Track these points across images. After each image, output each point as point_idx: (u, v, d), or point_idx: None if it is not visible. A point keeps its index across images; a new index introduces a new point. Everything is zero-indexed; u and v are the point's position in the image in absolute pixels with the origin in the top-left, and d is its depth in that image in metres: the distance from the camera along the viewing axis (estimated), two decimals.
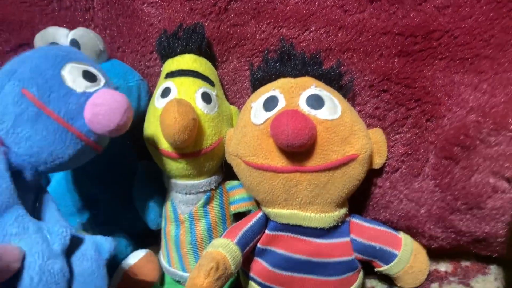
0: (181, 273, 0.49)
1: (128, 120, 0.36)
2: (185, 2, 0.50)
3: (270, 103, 0.40)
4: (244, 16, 0.48)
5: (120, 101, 0.35)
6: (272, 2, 0.47)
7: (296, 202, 0.40)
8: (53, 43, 0.49)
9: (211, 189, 0.47)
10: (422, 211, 0.43)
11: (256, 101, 0.41)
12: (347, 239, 0.42)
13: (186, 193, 0.47)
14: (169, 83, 0.45)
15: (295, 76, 0.42)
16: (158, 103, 0.45)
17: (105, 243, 0.35)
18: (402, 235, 0.43)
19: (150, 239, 0.54)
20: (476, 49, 0.40)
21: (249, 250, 0.43)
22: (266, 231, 0.44)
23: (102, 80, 0.38)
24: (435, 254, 0.45)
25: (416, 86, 0.41)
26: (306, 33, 0.46)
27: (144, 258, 0.51)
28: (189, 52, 0.47)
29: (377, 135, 0.42)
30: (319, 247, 0.42)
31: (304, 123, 0.35)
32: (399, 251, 0.42)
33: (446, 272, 0.46)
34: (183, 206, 0.47)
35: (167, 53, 0.48)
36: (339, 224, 0.42)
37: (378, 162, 0.42)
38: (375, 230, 0.43)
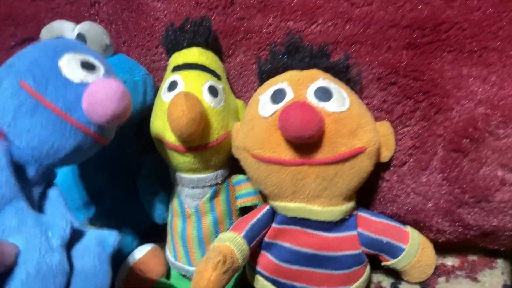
0: (187, 267, 0.49)
1: (126, 108, 0.36)
2: None
3: (278, 96, 0.40)
4: (250, 10, 0.48)
5: (116, 88, 0.34)
6: None
7: (303, 195, 0.40)
8: (59, 37, 0.49)
9: (217, 183, 0.47)
10: (430, 204, 0.42)
11: (264, 94, 0.41)
12: (354, 232, 0.42)
13: (192, 187, 0.46)
14: (176, 76, 0.45)
15: (302, 68, 0.42)
16: (165, 96, 0.45)
17: (109, 237, 0.34)
18: (409, 229, 0.43)
19: (156, 233, 0.54)
20: (485, 42, 0.39)
21: (256, 244, 0.43)
22: (273, 225, 0.44)
23: (101, 69, 0.38)
24: (442, 248, 0.45)
25: (424, 78, 0.41)
26: (313, 26, 0.46)
27: (150, 252, 0.51)
28: (196, 45, 0.47)
29: (385, 128, 0.42)
30: (326, 241, 0.42)
31: (313, 115, 0.35)
32: (406, 245, 0.42)
33: (453, 266, 0.46)
34: (190, 200, 0.47)
35: (173, 47, 0.48)
36: (346, 217, 0.41)
37: (385, 156, 0.42)
38: (382, 224, 0.43)
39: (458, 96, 0.40)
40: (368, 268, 0.44)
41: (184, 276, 0.51)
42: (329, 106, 0.38)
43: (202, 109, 0.41)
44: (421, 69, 0.41)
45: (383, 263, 0.44)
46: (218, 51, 0.50)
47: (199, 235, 0.48)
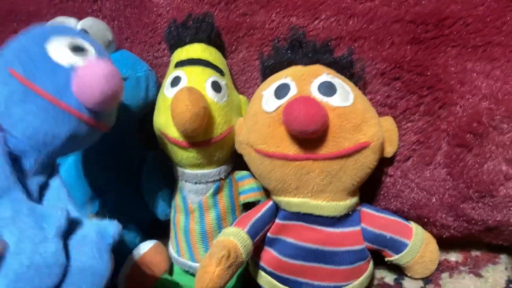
0: (190, 263, 0.49)
1: (116, 88, 0.34)
2: None
3: (281, 91, 0.40)
4: (253, 6, 0.48)
5: (104, 69, 0.33)
6: None
7: (307, 190, 0.40)
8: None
9: (220, 179, 0.47)
10: (434, 199, 0.43)
11: (267, 89, 0.41)
12: (357, 228, 0.42)
13: (195, 183, 0.46)
14: (179, 72, 0.45)
15: (306, 64, 0.42)
16: (168, 92, 0.45)
17: (109, 227, 0.33)
18: (412, 224, 0.43)
19: (159, 229, 0.54)
20: (489, 36, 0.39)
21: (260, 239, 0.43)
22: (277, 220, 0.44)
23: (91, 51, 0.36)
24: (445, 244, 0.45)
25: (428, 73, 0.41)
26: (316, 22, 0.46)
27: (153, 248, 0.51)
28: (199, 41, 0.47)
29: (388, 123, 0.42)
30: (329, 236, 0.42)
31: (317, 109, 0.35)
32: (410, 240, 0.42)
33: (456, 261, 0.46)
34: (193, 195, 0.47)
35: (176, 43, 0.48)
36: (350, 213, 0.41)
37: (389, 151, 0.42)
38: (385, 219, 0.43)
39: (462, 91, 0.40)
40: (371, 263, 0.44)
41: (187, 272, 0.51)
42: (333, 101, 0.38)
43: (205, 104, 0.41)
44: (425, 64, 0.41)
45: (386, 259, 0.44)
46: (220, 47, 0.50)
47: (202, 230, 0.48)
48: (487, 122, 0.39)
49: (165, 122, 0.44)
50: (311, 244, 0.42)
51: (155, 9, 0.52)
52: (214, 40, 0.48)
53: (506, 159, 0.38)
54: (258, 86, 0.45)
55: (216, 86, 0.44)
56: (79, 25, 0.49)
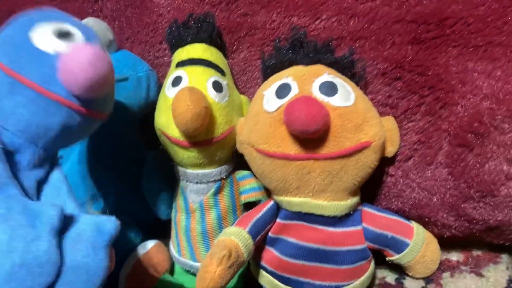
0: (191, 262, 0.49)
1: (103, 73, 0.32)
2: None
3: (282, 91, 0.40)
4: (254, 6, 0.48)
5: (88, 53, 0.31)
6: None
7: (308, 190, 0.40)
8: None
9: (221, 179, 0.47)
10: (435, 199, 0.43)
11: (268, 89, 0.41)
12: (359, 227, 0.42)
13: (196, 182, 0.46)
14: (180, 72, 0.45)
15: (307, 64, 0.42)
16: (169, 92, 0.45)
17: (107, 223, 0.31)
18: (414, 224, 0.43)
19: (160, 229, 0.54)
20: (490, 36, 0.40)
21: (261, 239, 0.43)
22: (278, 220, 0.44)
23: (79, 36, 0.34)
24: (446, 243, 0.45)
25: (429, 73, 0.41)
26: (317, 22, 0.46)
27: (154, 248, 0.51)
28: (200, 41, 0.47)
29: (390, 123, 0.42)
30: (331, 236, 0.42)
31: (318, 109, 0.35)
32: (411, 240, 0.42)
33: (457, 261, 0.46)
34: (194, 195, 0.47)
35: (177, 43, 0.48)
36: (351, 212, 0.41)
37: (390, 151, 0.42)
38: (386, 219, 0.43)
39: (463, 91, 0.40)
40: (372, 263, 0.44)
41: (188, 271, 0.51)
42: (334, 101, 0.38)
43: (207, 104, 0.41)
44: (426, 64, 0.41)
45: (387, 258, 0.44)
46: (221, 47, 0.50)
47: (203, 230, 0.48)
48: (488, 122, 0.39)
49: (166, 122, 0.44)
50: (313, 244, 0.42)
51: (156, 9, 0.52)
52: (215, 40, 0.48)
53: (507, 159, 0.38)
54: (259, 86, 0.45)
55: (217, 86, 0.45)
56: None
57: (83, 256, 0.29)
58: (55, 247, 0.29)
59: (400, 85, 0.43)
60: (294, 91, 0.39)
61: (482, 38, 0.40)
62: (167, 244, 0.53)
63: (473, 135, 0.40)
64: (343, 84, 0.40)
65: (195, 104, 0.39)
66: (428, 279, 0.45)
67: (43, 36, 0.32)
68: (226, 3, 0.49)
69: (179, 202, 0.49)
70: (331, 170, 0.38)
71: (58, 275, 0.29)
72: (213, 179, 0.47)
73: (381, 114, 0.43)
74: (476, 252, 0.46)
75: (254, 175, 0.46)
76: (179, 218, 0.49)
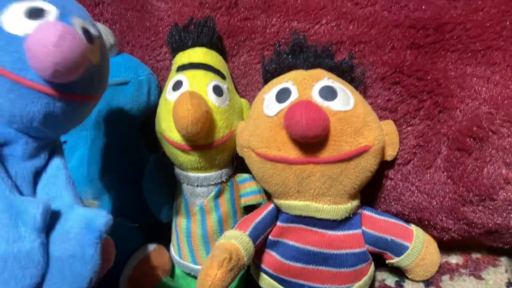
0: (192, 265, 0.49)
1: (72, 54, 0.28)
2: None
3: (282, 95, 0.40)
4: (254, 10, 0.48)
5: (53, 32, 0.27)
6: None
7: (308, 193, 0.40)
8: None
9: (222, 182, 0.47)
10: (434, 203, 0.43)
11: (269, 93, 0.42)
12: (358, 231, 0.42)
13: (197, 186, 0.47)
14: (181, 76, 0.45)
15: (307, 68, 0.42)
16: (170, 96, 0.45)
17: (96, 218, 0.29)
18: (413, 227, 0.43)
19: (161, 232, 0.54)
20: (488, 41, 0.40)
21: (261, 242, 0.44)
22: (278, 223, 0.44)
23: (52, 12, 0.30)
24: (446, 247, 0.46)
25: (428, 78, 0.42)
26: (317, 26, 0.46)
27: (154, 251, 0.52)
28: (200, 45, 0.47)
29: (389, 127, 0.42)
30: (331, 239, 0.42)
31: (318, 114, 0.36)
32: (411, 243, 0.42)
33: (457, 264, 0.46)
34: (194, 198, 0.47)
35: (178, 46, 0.48)
36: (351, 216, 0.42)
37: (390, 154, 0.42)
38: (386, 222, 0.43)
39: (462, 96, 0.41)
40: (372, 266, 0.44)
41: (189, 274, 0.51)
42: (334, 105, 0.38)
43: (207, 108, 0.41)
44: (425, 68, 0.42)
45: (387, 261, 0.44)
46: (222, 51, 0.50)
47: (203, 233, 0.48)
48: (487, 126, 0.39)
49: (167, 125, 0.45)
50: (313, 247, 0.42)
51: (156, 13, 0.52)
52: (216, 44, 0.49)
53: (506, 163, 0.38)
54: (259, 89, 0.45)
55: (217, 90, 0.45)
56: None
57: (69, 256, 0.28)
58: (39, 247, 0.28)
59: (399, 90, 0.43)
60: (294, 96, 0.39)
61: (480, 43, 0.40)
62: (168, 247, 0.53)
63: (472, 139, 0.40)
64: (343, 89, 0.40)
65: (196, 109, 0.39)
66: (428, 282, 0.45)
67: (13, 17, 0.29)
68: (227, 7, 0.49)
69: (180, 205, 0.49)
70: (331, 174, 0.38)
71: (44, 275, 0.28)
72: (214, 182, 0.47)
73: (381, 118, 0.43)
74: (475, 255, 0.46)
75: (255, 178, 0.46)
76: (179, 221, 0.49)
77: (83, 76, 0.31)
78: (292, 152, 0.39)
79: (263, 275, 0.45)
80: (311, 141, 0.37)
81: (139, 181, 0.52)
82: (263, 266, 0.45)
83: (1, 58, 0.29)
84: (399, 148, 0.43)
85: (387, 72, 0.43)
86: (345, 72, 0.42)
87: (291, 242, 0.43)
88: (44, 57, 0.27)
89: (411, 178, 0.44)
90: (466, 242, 0.45)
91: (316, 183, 0.39)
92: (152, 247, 0.52)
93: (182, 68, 0.46)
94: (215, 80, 0.45)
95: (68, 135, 0.50)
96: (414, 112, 0.43)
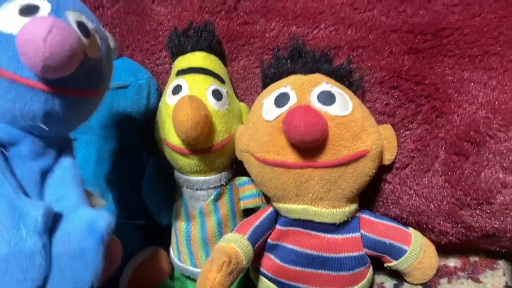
0: (191, 268, 0.49)
1: (61, 48, 0.27)
2: (195, 1, 0.50)
3: (281, 100, 0.40)
4: (253, 15, 0.49)
5: (40, 27, 0.26)
6: (281, 0, 0.47)
7: (307, 197, 0.40)
8: None
9: (221, 185, 0.48)
10: (432, 206, 0.43)
11: (267, 98, 0.42)
12: (357, 234, 0.43)
13: (196, 189, 0.47)
14: (181, 80, 0.45)
15: (305, 73, 0.43)
16: (169, 100, 0.45)
17: (99, 221, 0.29)
18: (411, 230, 0.43)
19: (161, 235, 0.54)
20: (486, 46, 0.40)
21: (260, 246, 0.44)
22: (277, 227, 0.44)
23: (45, 9, 0.30)
24: (444, 250, 0.46)
25: (426, 82, 0.42)
26: (315, 31, 0.46)
27: (154, 254, 0.52)
28: (200, 49, 0.48)
29: (387, 131, 0.42)
30: (329, 242, 0.42)
31: (317, 119, 0.36)
32: (409, 246, 0.42)
33: (455, 267, 0.46)
34: (194, 201, 0.48)
35: (177, 51, 0.48)
36: (350, 219, 0.42)
37: (388, 158, 0.43)
38: (384, 225, 0.43)
39: (459, 100, 0.41)
40: (370, 269, 0.45)
41: (188, 277, 0.51)
42: (333, 110, 0.38)
43: (207, 113, 0.41)
44: (422, 73, 0.42)
45: (385, 265, 0.44)
46: (221, 55, 0.50)
47: (203, 236, 0.48)
48: (484, 131, 0.39)
49: (167, 129, 0.45)
50: (311, 251, 0.42)
51: (156, 17, 0.52)
52: (215, 49, 0.49)
53: (503, 167, 0.39)
54: (258, 93, 0.46)
55: (217, 94, 0.45)
56: None
57: (70, 258, 0.28)
58: (40, 250, 0.27)
59: (397, 94, 0.43)
60: (293, 100, 0.40)
61: (478, 48, 0.40)
62: (168, 250, 0.54)
63: (469, 144, 0.40)
64: (341, 93, 0.40)
65: (195, 113, 0.40)
66: (426, 285, 0.45)
67: (7, 16, 0.29)
68: (226, 12, 0.49)
69: (179, 208, 0.49)
70: (329, 178, 0.39)
71: (46, 278, 0.28)
72: (213, 186, 0.47)
73: (379, 122, 0.44)
74: (473, 258, 0.47)
75: (254, 182, 0.47)
76: (179, 224, 0.50)
77: (80, 71, 0.30)
78: (290, 157, 0.39)
79: (262, 278, 0.46)
80: (309, 145, 0.37)
81: (139, 184, 0.52)
82: (262, 269, 0.45)
83: None
84: (397, 152, 0.43)
85: (385, 77, 0.43)
86: (343, 77, 0.43)
87: (290, 246, 0.43)
88: (33, 52, 0.26)
89: (409, 182, 0.44)
90: (464, 246, 0.45)
91: (315, 187, 0.39)
92: (152, 250, 0.52)
93: (181, 72, 0.47)
94: (215, 84, 0.46)
95: None
96: (412, 116, 0.43)
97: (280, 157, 0.39)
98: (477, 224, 0.41)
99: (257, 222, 0.44)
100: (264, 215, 0.45)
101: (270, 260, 0.45)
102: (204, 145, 0.44)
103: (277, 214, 0.45)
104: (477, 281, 0.45)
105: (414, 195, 0.44)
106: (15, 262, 0.26)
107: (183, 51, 0.48)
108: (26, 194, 0.31)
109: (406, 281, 0.46)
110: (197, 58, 0.47)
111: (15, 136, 0.31)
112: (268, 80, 0.45)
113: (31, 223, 0.27)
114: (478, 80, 0.40)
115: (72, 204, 0.31)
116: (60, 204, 0.31)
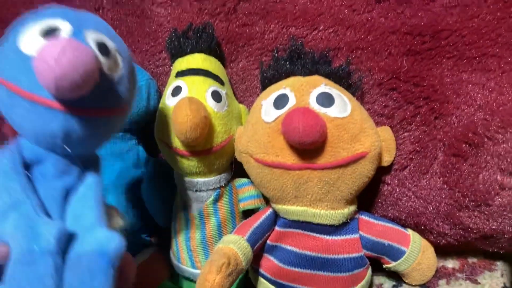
0: (191, 270, 0.50)
1: (74, 68, 0.27)
2: (194, 2, 0.50)
3: (280, 101, 0.40)
4: (253, 16, 0.49)
5: (55, 49, 0.27)
6: (280, 2, 0.48)
7: (306, 199, 0.40)
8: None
9: (220, 186, 0.48)
10: (430, 208, 0.43)
11: (267, 99, 0.42)
12: (356, 235, 0.43)
13: (196, 190, 0.47)
14: (180, 82, 0.46)
15: (304, 74, 0.43)
16: (169, 101, 0.46)
17: (110, 243, 0.29)
18: (410, 232, 0.44)
19: (160, 236, 0.55)
20: (484, 48, 0.40)
21: (259, 247, 0.44)
22: (276, 228, 0.44)
23: (65, 30, 0.31)
24: (442, 251, 0.46)
25: (425, 84, 0.42)
26: (314, 32, 0.46)
27: (153, 255, 0.52)
28: (199, 51, 0.48)
29: (386, 133, 0.42)
30: (328, 244, 0.42)
31: (315, 121, 0.36)
32: (408, 248, 0.42)
33: (453, 268, 0.47)
34: (193, 203, 0.48)
35: (177, 52, 0.49)
36: (348, 221, 0.42)
37: (386, 160, 0.43)
38: (383, 227, 0.43)
39: (457, 102, 0.41)
40: (369, 270, 0.45)
41: (188, 279, 0.51)
42: (331, 112, 0.39)
43: (206, 114, 0.42)
44: (421, 75, 0.42)
45: (384, 266, 0.44)
46: (220, 57, 0.50)
47: (202, 238, 0.48)
48: (482, 133, 0.39)
49: (166, 131, 0.45)
50: (310, 252, 0.42)
51: (156, 18, 0.53)
52: (214, 50, 0.49)
53: (501, 169, 0.39)
54: (258, 95, 0.46)
55: (216, 96, 0.45)
56: None
57: (80, 282, 0.28)
58: (50, 273, 0.27)
59: (396, 96, 0.43)
60: (292, 102, 0.40)
61: (476, 50, 0.40)
62: (167, 251, 0.54)
63: (467, 145, 0.40)
64: (340, 95, 0.40)
65: (195, 114, 0.40)
66: (424, 286, 0.45)
67: (29, 38, 0.30)
68: (225, 13, 0.50)
69: (179, 209, 0.49)
70: (328, 179, 0.39)
71: None
72: (212, 187, 0.47)
73: (377, 124, 0.44)
74: (471, 260, 0.47)
75: (253, 183, 0.47)
76: (178, 225, 0.50)
77: (98, 90, 0.30)
78: (289, 158, 0.39)
79: (261, 280, 0.46)
80: (308, 147, 0.37)
81: (139, 186, 0.52)
82: (261, 270, 0.45)
83: (18, 78, 0.30)
84: (395, 154, 0.44)
85: (384, 78, 0.44)
86: (342, 78, 0.43)
87: (289, 247, 0.43)
88: (46, 72, 0.27)
89: (407, 184, 0.44)
90: (462, 247, 0.45)
91: (314, 188, 0.39)
92: (151, 251, 0.52)
93: (181, 74, 0.47)
94: (214, 86, 0.46)
95: None
96: (411, 118, 0.43)
97: (279, 158, 0.39)
98: (475, 226, 0.41)
99: (256, 224, 0.44)
100: (263, 217, 0.45)
101: (269, 261, 0.45)
102: (203, 146, 0.44)
103: (276, 216, 0.45)
104: (475, 282, 0.45)
105: (413, 196, 0.44)
106: (27, 283, 0.27)
107: (183, 53, 0.48)
108: (48, 213, 0.31)
109: (405, 282, 0.46)
110: (197, 60, 0.47)
111: (39, 155, 0.32)
112: (267, 81, 0.45)
113: (44, 244, 0.28)
114: (476, 82, 0.40)
115: (89, 224, 0.31)
116: (77, 224, 0.31)
